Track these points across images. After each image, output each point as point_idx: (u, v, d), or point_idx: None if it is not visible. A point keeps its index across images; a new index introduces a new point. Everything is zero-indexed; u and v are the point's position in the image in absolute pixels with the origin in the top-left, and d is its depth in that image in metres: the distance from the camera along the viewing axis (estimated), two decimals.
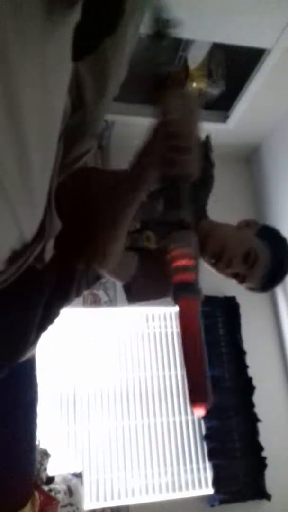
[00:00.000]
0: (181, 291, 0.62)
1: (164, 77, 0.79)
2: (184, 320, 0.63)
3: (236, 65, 2.68)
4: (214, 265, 1.09)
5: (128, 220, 0.87)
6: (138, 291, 1.07)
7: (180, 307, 0.62)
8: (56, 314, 0.99)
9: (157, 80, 0.80)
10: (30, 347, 0.91)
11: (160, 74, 0.78)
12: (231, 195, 3.19)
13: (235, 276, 1.11)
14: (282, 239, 1.17)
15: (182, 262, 0.61)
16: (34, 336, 0.89)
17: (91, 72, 0.57)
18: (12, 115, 0.43)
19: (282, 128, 3.04)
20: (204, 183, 1.16)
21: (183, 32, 2.31)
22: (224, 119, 2.93)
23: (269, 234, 1.17)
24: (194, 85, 2.80)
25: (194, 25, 2.18)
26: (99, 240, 0.90)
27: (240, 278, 1.11)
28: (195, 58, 2.69)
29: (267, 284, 1.14)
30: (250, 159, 3.46)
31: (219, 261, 1.08)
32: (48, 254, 0.65)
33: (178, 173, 0.74)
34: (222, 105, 2.89)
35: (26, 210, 0.53)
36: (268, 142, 3.24)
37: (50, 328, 0.98)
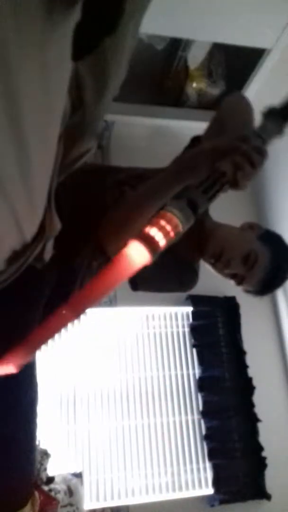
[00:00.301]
0: (142, 240, 0.58)
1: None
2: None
3: (236, 65, 2.68)
4: (213, 265, 1.10)
5: (156, 206, 0.83)
6: (142, 281, 1.07)
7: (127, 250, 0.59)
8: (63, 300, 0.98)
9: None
10: None
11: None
12: (231, 195, 3.18)
13: (233, 277, 1.12)
14: (284, 245, 1.17)
15: (162, 222, 0.60)
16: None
17: (91, 72, 0.57)
18: (12, 115, 0.43)
19: None
20: None
21: (183, 32, 2.32)
22: None
23: (272, 238, 1.17)
24: (194, 85, 2.80)
25: (194, 25, 2.18)
26: (120, 213, 0.87)
27: (238, 279, 1.11)
28: (195, 58, 2.69)
29: (264, 288, 1.14)
30: None
31: (218, 261, 1.09)
32: (48, 254, 0.65)
33: (234, 178, 0.78)
34: None
35: (26, 210, 0.53)
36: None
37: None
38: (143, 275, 1.01)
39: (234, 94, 1.08)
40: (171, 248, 0.64)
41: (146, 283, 1.11)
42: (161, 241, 0.58)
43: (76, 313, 0.60)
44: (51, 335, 0.62)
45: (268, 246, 1.12)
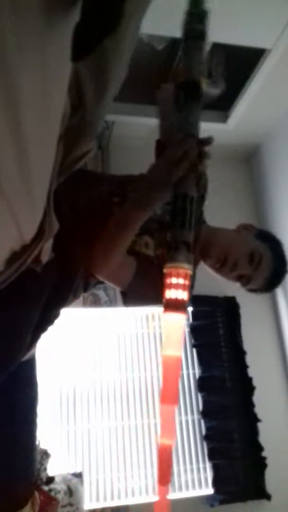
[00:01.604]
0: (171, 308, 0.64)
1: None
2: (169, 341, 0.66)
3: (236, 65, 2.68)
4: (219, 269, 1.10)
5: (130, 237, 0.89)
6: (133, 296, 1.06)
7: (167, 321, 0.65)
8: (55, 315, 0.98)
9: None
10: (26, 349, 0.91)
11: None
12: (231, 195, 3.19)
13: (240, 278, 1.12)
14: (278, 240, 1.19)
15: (174, 280, 0.65)
16: (31, 337, 0.89)
17: (91, 72, 0.57)
18: (11, 116, 0.43)
19: (282, 128, 3.04)
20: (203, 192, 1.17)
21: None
22: (224, 119, 2.92)
23: (267, 235, 1.19)
24: None
25: None
26: (98, 248, 0.91)
27: (245, 280, 1.11)
28: None
29: (271, 283, 1.15)
30: (250, 159, 3.46)
31: (224, 266, 1.09)
32: (45, 256, 0.65)
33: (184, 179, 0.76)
34: (222, 105, 2.88)
35: (26, 211, 0.53)
36: (268, 142, 3.24)
37: (50, 329, 0.98)
38: (135, 291, 1.03)
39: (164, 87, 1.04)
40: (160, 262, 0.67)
41: (139, 299, 1.08)
42: (184, 295, 0.64)
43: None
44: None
45: (267, 243, 1.14)
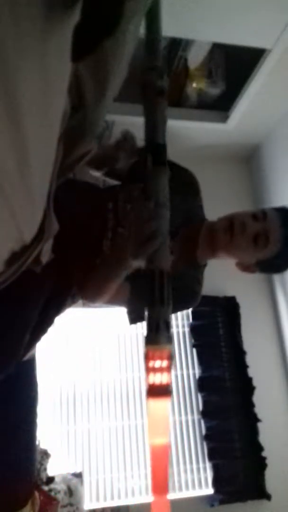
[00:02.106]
0: (153, 393, 0.61)
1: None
2: (154, 427, 0.63)
3: (236, 65, 2.68)
4: (231, 241, 1.07)
5: (117, 282, 0.94)
6: (132, 317, 1.09)
7: (152, 407, 0.62)
8: (54, 317, 0.99)
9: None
10: (24, 350, 0.91)
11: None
12: (231, 195, 3.19)
13: (256, 240, 1.06)
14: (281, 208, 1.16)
15: (157, 363, 0.62)
16: (29, 338, 0.89)
17: (91, 73, 0.57)
18: (11, 116, 0.43)
19: (282, 128, 3.04)
20: (188, 189, 1.17)
21: (183, 32, 2.32)
22: (224, 119, 2.92)
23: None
24: (194, 85, 2.80)
25: (194, 25, 2.18)
26: (89, 285, 0.97)
27: (263, 237, 1.06)
28: (195, 58, 2.69)
29: None
30: (250, 159, 3.46)
31: (234, 231, 1.07)
32: (45, 256, 0.65)
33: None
34: (222, 105, 2.89)
35: (26, 211, 0.53)
36: (268, 142, 3.24)
37: (49, 329, 0.98)
38: (133, 311, 1.08)
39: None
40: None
41: (139, 317, 1.08)
42: (168, 378, 0.61)
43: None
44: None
45: (264, 208, 1.14)
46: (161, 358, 0.61)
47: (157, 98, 0.73)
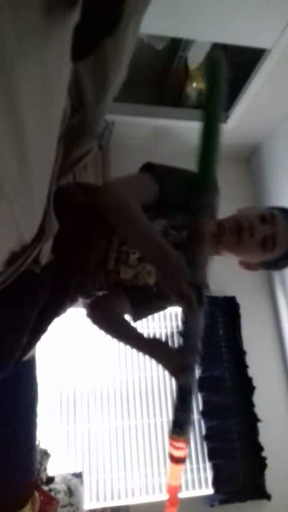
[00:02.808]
0: (176, 461, 0.96)
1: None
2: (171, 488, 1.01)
3: (236, 65, 2.68)
4: (238, 243, 1.07)
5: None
6: (136, 317, 1.17)
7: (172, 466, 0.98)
8: (52, 318, 0.98)
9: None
10: (23, 350, 0.91)
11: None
12: (231, 195, 3.17)
13: (264, 243, 1.06)
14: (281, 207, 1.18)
15: (181, 445, 0.95)
16: (28, 339, 0.89)
17: (91, 72, 0.57)
18: (11, 116, 0.43)
19: (282, 128, 3.04)
20: (207, 193, 1.15)
21: (183, 32, 2.32)
22: (224, 119, 2.93)
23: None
24: (194, 85, 2.80)
25: (194, 25, 2.18)
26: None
27: (271, 240, 1.06)
28: (195, 58, 2.68)
29: None
30: (250, 159, 3.46)
31: (242, 233, 1.06)
32: (45, 256, 0.65)
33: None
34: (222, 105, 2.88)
35: (26, 211, 0.53)
36: (268, 142, 3.24)
37: (49, 330, 0.98)
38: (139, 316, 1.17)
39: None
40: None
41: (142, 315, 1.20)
42: (184, 453, 0.96)
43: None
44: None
45: (272, 208, 1.13)
46: (184, 442, 0.94)
47: (205, 243, 0.87)
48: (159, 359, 1.02)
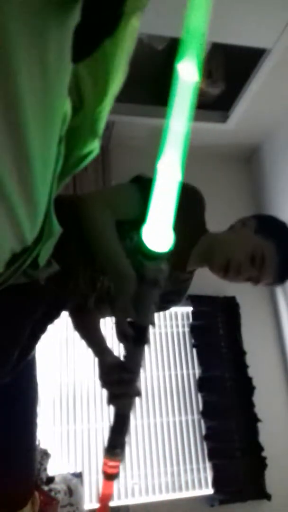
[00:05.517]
0: (107, 478, 0.99)
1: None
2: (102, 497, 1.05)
3: (236, 65, 2.68)
4: (224, 277, 1.10)
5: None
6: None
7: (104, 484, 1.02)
8: (49, 322, 0.99)
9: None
10: (22, 351, 0.91)
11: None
12: (231, 195, 3.19)
13: (249, 280, 1.11)
14: (281, 225, 1.15)
15: (114, 464, 0.97)
16: (27, 340, 0.89)
17: (91, 73, 0.57)
18: (12, 117, 0.43)
19: (282, 128, 3.04)
20: (187, 209, 1.14)
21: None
22: (224, 119, 2.93)
23: (267, 225, 1.15)
24: None
25: None
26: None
27: (255, 280, 1.11)
28: None
29: (284, 274, 1.12)
30: (250, 159, 3.47)
31: (228, 272, 1.09)
32: (43, 258, 0.64)
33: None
34: (222, 105, 2.89)
35: (27, 212, 0.53)
36: (268, 142, 3.24)
37: (49, 330, 0.98)
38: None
39: None
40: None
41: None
42: (116, 471, 0.99)
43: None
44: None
45: (268, 235, 1.10)
46: (115, 462, 0.97)
47: (151, 288, 0.84)
48: (100, 369, 1.08)
